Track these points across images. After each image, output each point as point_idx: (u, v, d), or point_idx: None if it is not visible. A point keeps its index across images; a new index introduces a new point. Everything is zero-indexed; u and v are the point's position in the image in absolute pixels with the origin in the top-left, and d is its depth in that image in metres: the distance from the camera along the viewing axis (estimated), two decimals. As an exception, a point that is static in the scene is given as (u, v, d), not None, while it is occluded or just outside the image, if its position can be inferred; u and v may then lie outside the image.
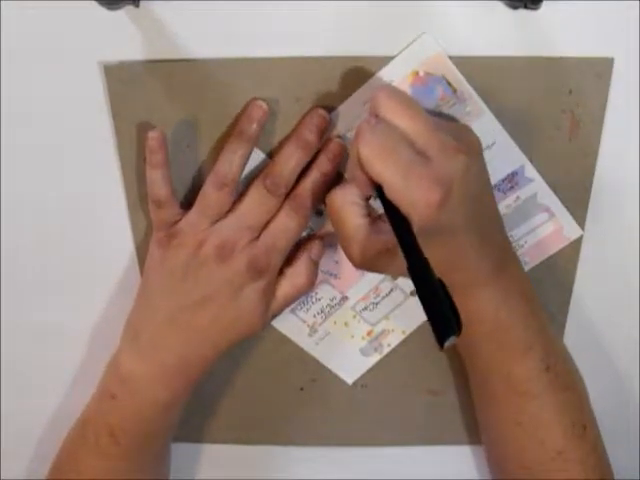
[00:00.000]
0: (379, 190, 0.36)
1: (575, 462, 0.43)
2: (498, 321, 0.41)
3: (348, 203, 0.39)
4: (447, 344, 0.30)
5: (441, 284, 0.32)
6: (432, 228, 0.36)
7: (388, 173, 0.35)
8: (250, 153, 0.41)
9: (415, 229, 0.35)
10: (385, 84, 0.41)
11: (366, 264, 0.39)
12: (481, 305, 0.40)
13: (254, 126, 0.41)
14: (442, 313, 0.31)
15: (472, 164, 0.37)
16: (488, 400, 0.45)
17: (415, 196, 0.35)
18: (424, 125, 0.36)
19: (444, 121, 0.40)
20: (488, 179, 0.40)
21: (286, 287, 0.45)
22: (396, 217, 0.36)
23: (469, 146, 0.37)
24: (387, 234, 0.37)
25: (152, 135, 0.40)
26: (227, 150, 0.41)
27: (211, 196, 0.41)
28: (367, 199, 0.39)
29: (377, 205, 0.38)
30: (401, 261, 0.34)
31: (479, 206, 0.38)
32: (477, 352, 0.43)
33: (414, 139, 0.35)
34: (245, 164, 0.41)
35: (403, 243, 0.34)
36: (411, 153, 0.35)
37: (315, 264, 0.45)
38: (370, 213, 0.39)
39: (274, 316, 0.47)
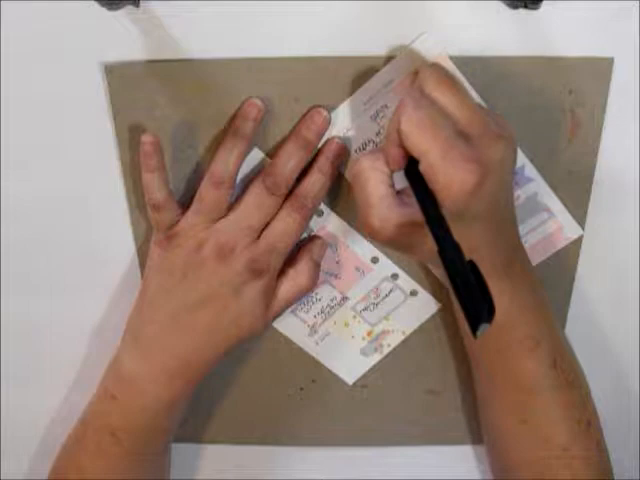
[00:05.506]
0: (412, 166, 0.35)
1: (580, 459, 0.43)
2: (508, 315, 0.40)
3: (375, 169, 0.37)
4: (480, 332, 0.29)
5: (474, 267, 0.31)
6: (460, 211, 0.35)
7: (428, 146, 0.34)
8: (246, 151, 0.41)
9: (443, 210, 0.34)
10: (431, 62, 0.40)
11: (383, 236, 0.37)
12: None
13: (250, 124, 0.41)
14: (474, 301, 0.30)
15: (509, 152, 0.36)
16: (493, 398, 0.45)
17: (452, 174, 0.34)
18: (468, 106, 0.35)
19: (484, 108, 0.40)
20: (514, 171, 0.39)
21: (288, 287, 0.44)
22: (425, 196, 0.34)
23: (509, 134, 0.37)
24: (411, 208, 0.36)
25: (145, 139, 0.39)
26: (223, 149, 0.41)
27: (208, 195, 0.41)
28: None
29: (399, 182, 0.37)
30: (422, 243, 0.33)
31: (503, 196, 0.38)
32: (484, 347, 0.43)
33: (458, 118, 0.35)
34: (241, 162, 0.41)
35: (432, 224, 0.33)
36: (453, 131, 0.34)
37: (317, 264, 0.45)
38: (393, 185, 0.38)
39: (275, 317, 0.46)
